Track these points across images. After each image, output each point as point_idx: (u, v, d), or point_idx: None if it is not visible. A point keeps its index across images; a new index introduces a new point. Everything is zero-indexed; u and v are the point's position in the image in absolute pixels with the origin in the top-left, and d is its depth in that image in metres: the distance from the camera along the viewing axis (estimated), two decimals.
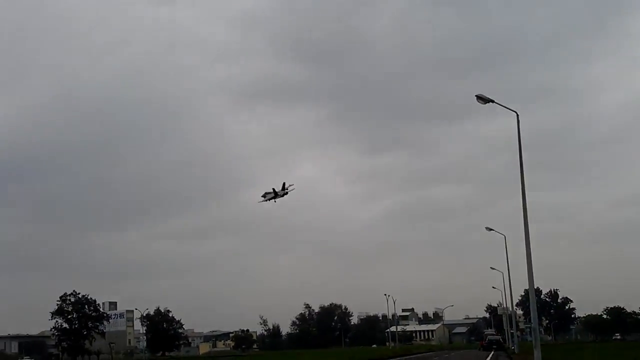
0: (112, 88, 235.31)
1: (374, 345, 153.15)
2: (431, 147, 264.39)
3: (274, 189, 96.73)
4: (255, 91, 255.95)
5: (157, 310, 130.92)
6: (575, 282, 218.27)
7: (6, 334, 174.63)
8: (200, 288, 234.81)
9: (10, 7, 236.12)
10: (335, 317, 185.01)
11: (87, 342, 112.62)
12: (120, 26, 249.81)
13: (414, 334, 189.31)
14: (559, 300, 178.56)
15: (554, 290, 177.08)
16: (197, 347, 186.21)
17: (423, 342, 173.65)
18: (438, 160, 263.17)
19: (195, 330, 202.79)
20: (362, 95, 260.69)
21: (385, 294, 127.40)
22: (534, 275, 31.69)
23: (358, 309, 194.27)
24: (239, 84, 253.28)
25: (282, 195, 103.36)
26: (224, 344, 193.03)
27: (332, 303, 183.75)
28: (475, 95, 31.49)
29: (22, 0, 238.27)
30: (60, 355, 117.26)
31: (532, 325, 33.34)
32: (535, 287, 33.22)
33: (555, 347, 72.22)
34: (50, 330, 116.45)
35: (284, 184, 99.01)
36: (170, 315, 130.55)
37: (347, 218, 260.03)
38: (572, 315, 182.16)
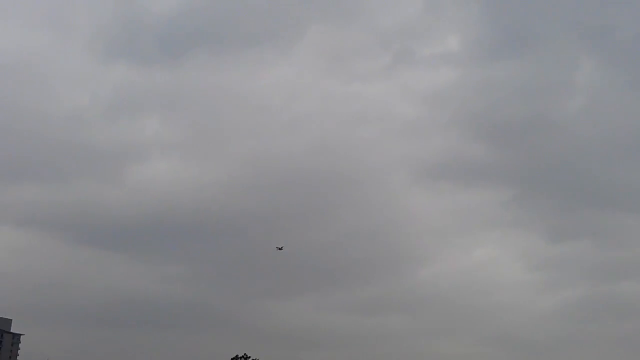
0: (300, 159, 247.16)
1: None
2: (621, 238, 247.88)
3: None
4: (437, 168, 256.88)
5: None
6: None
7: None
8: None
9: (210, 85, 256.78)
10: None
11: None
12: (312, 101, 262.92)
13: None
14: None
15: None
16: None
17: None
18: (628, 253, 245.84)
19: None
20: (548, 178, 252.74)
21: None
22: None
23: None
24: (422, 160, 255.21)
25: None
26: None
27: None
28: None
29: (221, 78, 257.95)
30: None
31: None
32: None
33: None
34: None
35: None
36: None
37: (522, 306, 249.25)
38: None
